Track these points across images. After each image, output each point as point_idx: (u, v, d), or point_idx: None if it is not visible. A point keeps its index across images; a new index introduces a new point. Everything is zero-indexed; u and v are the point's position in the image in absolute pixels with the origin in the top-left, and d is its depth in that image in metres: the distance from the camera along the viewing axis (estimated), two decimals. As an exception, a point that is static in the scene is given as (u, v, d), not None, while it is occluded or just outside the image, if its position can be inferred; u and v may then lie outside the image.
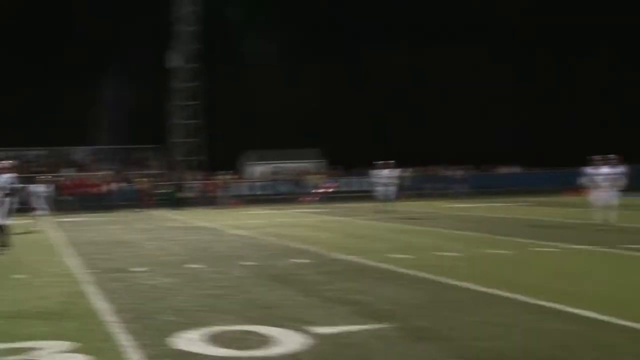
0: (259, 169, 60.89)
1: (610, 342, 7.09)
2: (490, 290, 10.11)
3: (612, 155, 20.92)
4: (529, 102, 70.32)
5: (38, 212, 27.16)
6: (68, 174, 51.42)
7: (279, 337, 7.30)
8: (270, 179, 55.19)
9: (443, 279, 11.29)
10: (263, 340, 7.22)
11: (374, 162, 30.97)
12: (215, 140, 57.11)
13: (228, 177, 47.61)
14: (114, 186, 46.78)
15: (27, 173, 36.68)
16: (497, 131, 62.17)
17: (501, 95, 68.32)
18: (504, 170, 57.44)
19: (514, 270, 12.75)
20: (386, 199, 29.54)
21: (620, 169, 20.84)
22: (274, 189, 51.46)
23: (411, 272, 12.31)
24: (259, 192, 50.49)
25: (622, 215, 21.47)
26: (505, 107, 68.11)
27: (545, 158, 56.42)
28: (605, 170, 20.72)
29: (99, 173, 51.11)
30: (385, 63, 67.77)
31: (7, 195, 16.72)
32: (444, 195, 46.01)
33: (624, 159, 21.37)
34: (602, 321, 7.98)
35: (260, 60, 59.39)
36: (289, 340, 7.18)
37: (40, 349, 7.01)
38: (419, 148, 57.08)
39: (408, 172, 45.84)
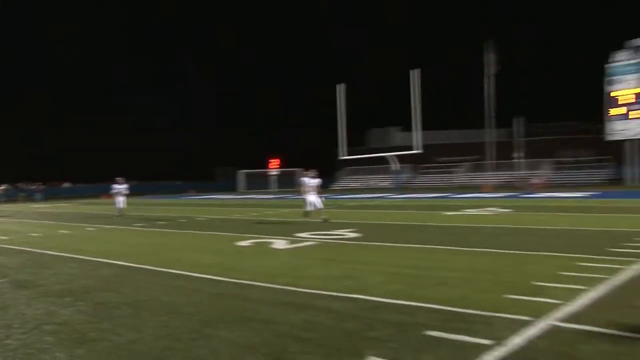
0: None
1: (136, 277, 7.99)
2: (63, 254, 10.64)
3: (120, 178, 23.23)
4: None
5: None
6: None
7: None
8: None
9: (34, 250, 11.67)
10: None
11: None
12: None
13: None
14: None
15: None
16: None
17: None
18: (64, 185, 61.63)
19: (75, 241, 13.35)
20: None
21: (126, 185, 23.29)
22: None
23: (13, 246, 12.47)
24: None
25: (138, 209, 24.18)
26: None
27: (89, 177, 62.44)
28: (121, 186, 22.88)
29: None
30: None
31: None
32: (28, 200, 47.80)
33: (130, 179, 24.08)
34: (132, 266, 8.95)
35: None
36: None
37: None
38: (11, 170, 59.14)
39: (4, 186, 48.93)
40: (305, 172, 16.98)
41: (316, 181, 16.73)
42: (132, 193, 25.19)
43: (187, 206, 30.24)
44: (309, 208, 16.44)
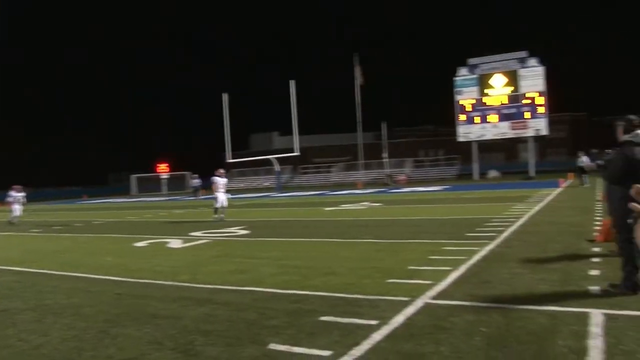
0: None
1: (37, 282, 7.27)
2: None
3: (17, 185, 20.92)
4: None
5: None
6: None
7: None
8: None
9: None
10: None
11: None
12: None
13: None
14: None
15: None
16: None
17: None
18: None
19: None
20: None
21: (23, 193, 21.06)
22: None
23: None
24: None
25: (33, 215, 22.13)
26: None
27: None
28: (19, 194, 20.67)
29: None
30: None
31: None
32: None
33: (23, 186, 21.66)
34: (32, 272, 8.22)
35: None
36: None
37: None
38: None
39: None
40: (216, 172, 16.64)
41: (224, 180, 16.58)
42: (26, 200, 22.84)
43: (82, 211, 28.31)
44: (218, 205, 16.09)
